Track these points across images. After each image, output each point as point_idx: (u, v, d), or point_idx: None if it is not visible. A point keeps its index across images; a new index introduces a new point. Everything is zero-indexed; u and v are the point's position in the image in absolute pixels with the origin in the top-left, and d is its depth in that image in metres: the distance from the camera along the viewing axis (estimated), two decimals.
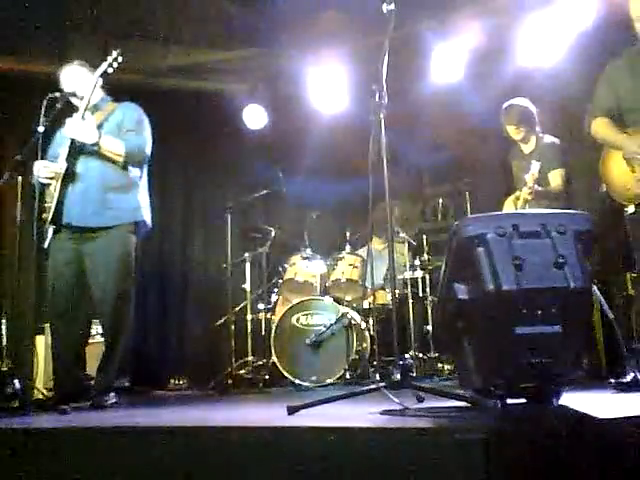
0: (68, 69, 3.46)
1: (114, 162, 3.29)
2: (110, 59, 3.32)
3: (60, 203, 3.24)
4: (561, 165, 3.93)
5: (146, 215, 3.43)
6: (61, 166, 3.25)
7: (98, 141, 3.24)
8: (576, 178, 3.96)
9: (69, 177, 3.26)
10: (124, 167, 3.32)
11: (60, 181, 3.25)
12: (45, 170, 3.25)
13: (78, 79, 3.41)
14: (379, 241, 5.52)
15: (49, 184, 3.28)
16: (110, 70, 3.34)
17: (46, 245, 3.27)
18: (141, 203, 3.41)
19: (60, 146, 3.33)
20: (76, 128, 3.23)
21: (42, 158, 3.29)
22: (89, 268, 3.26)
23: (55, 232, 3.28)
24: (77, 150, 3.28)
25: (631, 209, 2.97)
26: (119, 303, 3.24)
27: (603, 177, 3.09)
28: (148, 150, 3.42)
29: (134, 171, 3.38)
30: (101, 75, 3.33)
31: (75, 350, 3.31)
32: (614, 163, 3.04)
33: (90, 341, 3.61)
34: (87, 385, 3.31)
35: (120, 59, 3.33)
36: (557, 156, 3.93)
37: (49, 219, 3.24)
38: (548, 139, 4.02)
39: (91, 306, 3.31)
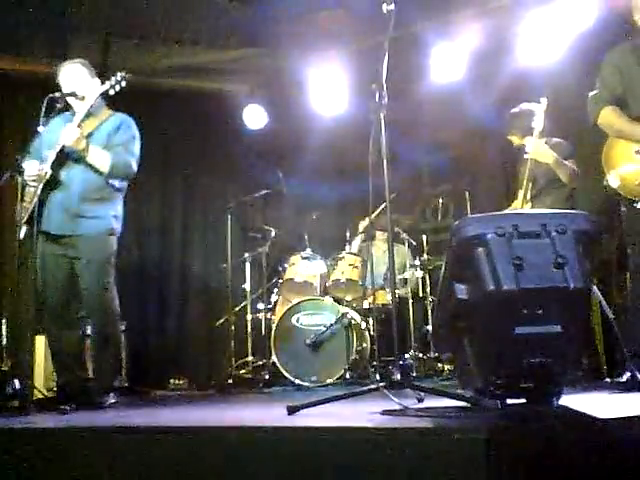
0: (69, 67, 3.43)
1: (99, 173, 3.32)
2: (114, 80, 3.33)
3: (40, 207, 3.25)
4: (572, 157, 3.83)
5: (117, 225, 3.44)
6: (46, 170, 3.26)
7: (87, 150, 3.26)
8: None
9: (51, 183, 3.28)
10: (106, 179, 3.34)
11: (42, 185, 3.26)
12: (34, 170, 3.26)
13: (78, 79, 3.40)
14: (381, 237, 5.52)
15: (30, 185, 3.28)
16: (112, 92, 3.35)
17: (21, 237, 3.23)
18: (118, 213, 3.45)
19: (49, 148, 3.31)
20: (71, 136, 3.22)
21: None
22: (75, 271, 3.33)
23: (38, 234, 3.27)
24: (64, 157, 3.30)
25: None
26: (101, 306, 3.30)
27: (607, 169, 2.92)
28: (134, 167, 3.43)
29: (117, 183, 3.41)
30: (102, 94, 3.35)
31: (72, 351, 3.35)
32: (620, 155, 2.89)
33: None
34: (88, 384, 3.32)
35: (124, 83, 3.33)
36: (566, 151, 3.86)
37: (24, 219, 3.23)
38: (555, 140, 3.95)
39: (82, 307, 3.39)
